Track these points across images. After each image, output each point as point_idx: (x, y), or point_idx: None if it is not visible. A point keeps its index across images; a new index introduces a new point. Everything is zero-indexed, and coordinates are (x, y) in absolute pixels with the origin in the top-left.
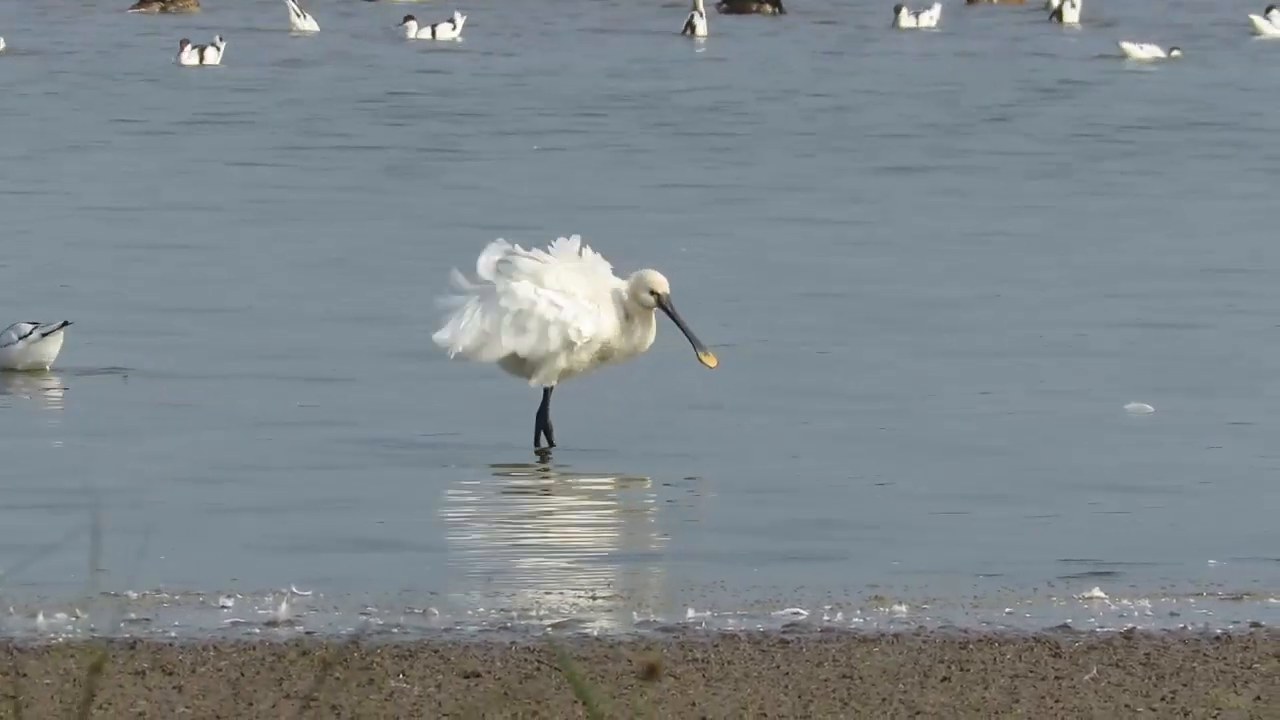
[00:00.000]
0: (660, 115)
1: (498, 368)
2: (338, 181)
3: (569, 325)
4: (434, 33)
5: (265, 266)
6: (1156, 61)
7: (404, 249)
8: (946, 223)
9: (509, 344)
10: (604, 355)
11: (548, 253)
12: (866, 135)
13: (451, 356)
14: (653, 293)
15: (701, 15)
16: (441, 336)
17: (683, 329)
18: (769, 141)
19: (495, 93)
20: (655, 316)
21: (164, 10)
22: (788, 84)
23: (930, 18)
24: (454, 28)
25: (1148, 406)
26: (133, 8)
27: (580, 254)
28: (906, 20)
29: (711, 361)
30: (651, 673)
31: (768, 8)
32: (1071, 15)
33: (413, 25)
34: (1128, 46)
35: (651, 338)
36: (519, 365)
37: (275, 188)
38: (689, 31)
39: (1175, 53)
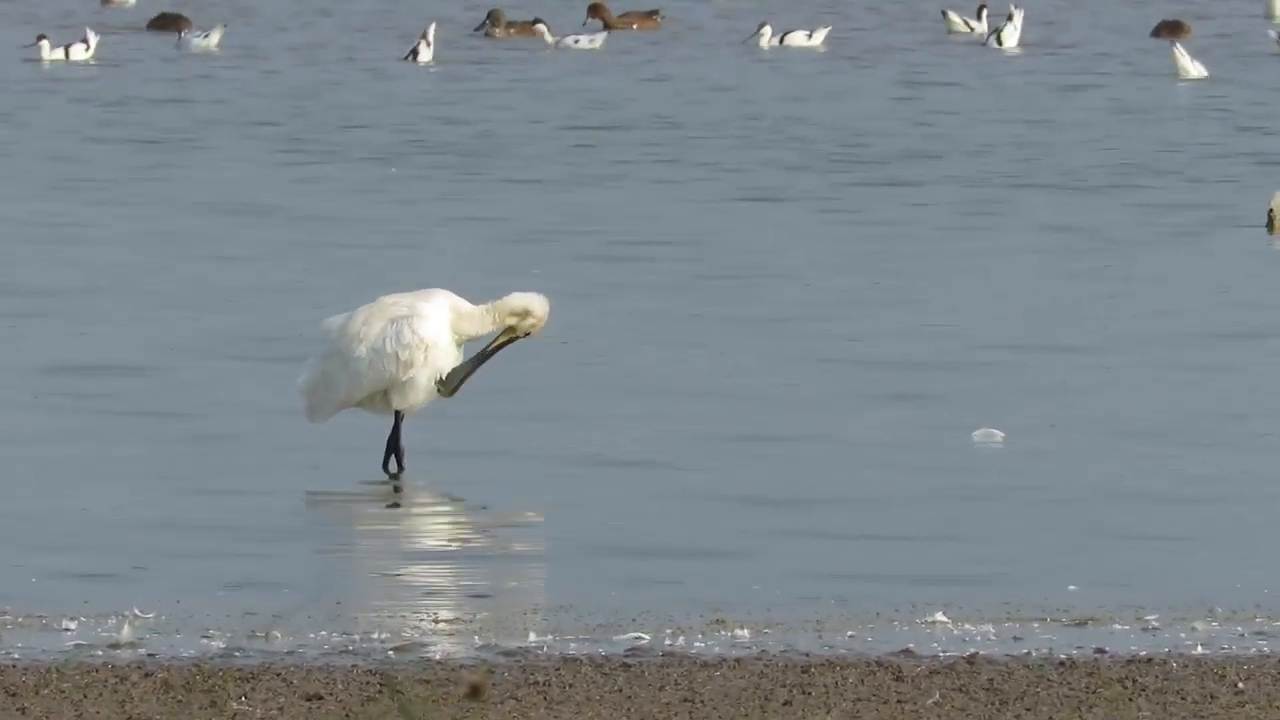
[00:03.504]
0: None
1: (357, 408)
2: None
3: (410, 340)
4: (67, 53)
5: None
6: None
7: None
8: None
9: (372, 382)
10: (459, 336)
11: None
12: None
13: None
14: (524, 316)
15: (429, 44)
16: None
17: (481, 360)
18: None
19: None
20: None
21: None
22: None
23: (592, 41)
24: (87, 48)
25: (997, 433)
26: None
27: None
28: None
29: (444, 392)
30: (475, 693)
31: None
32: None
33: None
34: (1179, 54)
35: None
36: (380, 400)
37: None
38: (413, 59)
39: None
